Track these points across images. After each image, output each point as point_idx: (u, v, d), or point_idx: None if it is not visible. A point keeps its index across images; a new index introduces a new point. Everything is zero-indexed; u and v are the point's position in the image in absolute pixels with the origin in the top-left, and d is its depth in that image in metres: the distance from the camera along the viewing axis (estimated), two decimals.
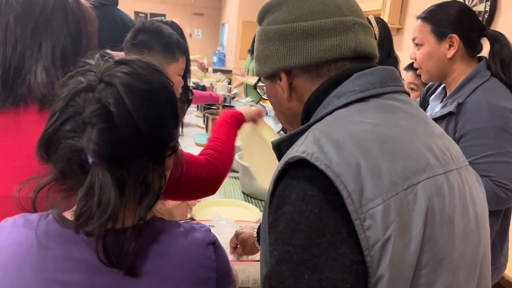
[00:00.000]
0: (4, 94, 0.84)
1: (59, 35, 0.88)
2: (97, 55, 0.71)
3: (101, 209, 0.61)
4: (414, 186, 0.59)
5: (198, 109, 3.56)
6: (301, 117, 0.75)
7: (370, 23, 2.15)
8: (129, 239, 0.64)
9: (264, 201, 1.75)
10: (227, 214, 1.52)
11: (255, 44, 0.79)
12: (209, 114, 2.72)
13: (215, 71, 9.41)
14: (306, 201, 0.57)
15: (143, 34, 1.40)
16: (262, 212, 1.63)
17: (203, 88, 3.75)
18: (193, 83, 4.00)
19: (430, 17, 1.37)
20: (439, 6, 1.40)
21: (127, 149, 0.64)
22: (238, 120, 1.26)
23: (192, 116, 3.58)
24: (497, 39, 1.35)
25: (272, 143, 0.73)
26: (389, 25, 3.55)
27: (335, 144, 0.60)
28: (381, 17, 3.54)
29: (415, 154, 0.62)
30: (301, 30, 0.71)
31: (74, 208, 0.66)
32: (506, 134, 1.24)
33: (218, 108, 3.01)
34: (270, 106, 3.26)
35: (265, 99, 3.44)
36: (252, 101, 4.14)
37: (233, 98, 3.98)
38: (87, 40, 0.94)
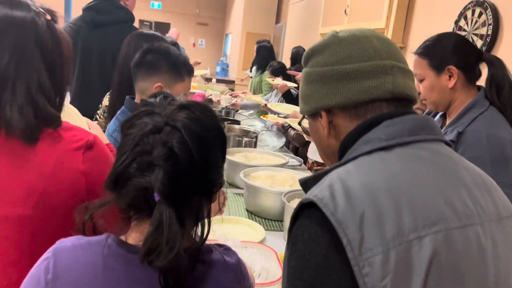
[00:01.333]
0: None
1: (35, 71, 0.87)
2: (160, 96, 0.80)
3: (169, 246, 0.68)
4: (420, 239, 0.61)
5: None
6: (338, 156, 0.79)
7: None
8: (187, 266, 0.71)
9: (268, 219, 1.77)
10: (232, 232, 1.55)
11: (300, 84, 0.85)
12: None
13: (218, 81, 9.48)
14: (316, 242, 0.62)
15: (152, 54, 1.44)
16: (266, 231, 1.66)
17: (210, 101, 3.80)
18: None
19: (426, 52, 1.41)
20: (434, 40, 1.44)
21: (188, 188, 0.72)
22: None
23: None
24: (493, 63, 1.39)
25: (299, 180, 0.79)
26: None
27: (346, 191, 0.63)
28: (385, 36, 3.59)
29: (428, 206, 0.64)
30: (340, 72, 0.76)
31: (128, 232, 0.76)
32: (502, 164, 1.28)
33: (224, 120, 3.04)
34: (271, 121, 3.31)
35: (266, 114, 3.48)
36: (253, 114, 4.18)
37: (237, 111, 4.01)
38: (61, 71, 0.94)
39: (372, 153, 0.70)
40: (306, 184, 0.77)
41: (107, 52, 2.24)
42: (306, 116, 0.85)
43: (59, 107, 0.95)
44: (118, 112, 1.52)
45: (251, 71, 6.53)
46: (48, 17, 0.91)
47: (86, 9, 2.38)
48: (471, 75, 1.41)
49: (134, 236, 0.75)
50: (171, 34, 5.37)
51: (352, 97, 0.75)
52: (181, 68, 1.47)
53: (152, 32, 2.01)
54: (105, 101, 1.95)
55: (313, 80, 0.80)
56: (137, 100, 1.46)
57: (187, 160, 0.71)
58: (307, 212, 0.65)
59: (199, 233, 0.77)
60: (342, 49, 0.77)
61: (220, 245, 0.85)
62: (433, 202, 0.65)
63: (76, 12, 2.60)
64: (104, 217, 0.76)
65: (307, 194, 0.67)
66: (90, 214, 0.76)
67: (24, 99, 0.85)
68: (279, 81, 3.80)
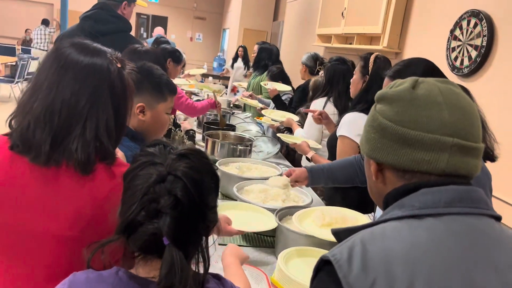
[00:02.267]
0: (49, 155, 0.96)
1: (104, 112, 0.99)
2: (159, 146, 0.87)
3: (183, 285, 0.77)
4: None
5: (198, 125, 3.60)
6: (382, 204, 0.81)
7: (368, 60, 2.20)
8: None
9: (260, 234, 1.79)
10: (243, 219, 1.61)
11: (368, 117, 0.83)
12: (209, 136, 2.76)
13: (214, 77, 9.45)
14: None
15: (135, 74, 1.45)
16: (258, 248, 1.68)
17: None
18: (196, 98, 4.06)
19: (397, 76, 1.42)
20: (404, 65, 1.46)
21: (192, 229, 0.82)
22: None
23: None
24: None
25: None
26: (388, 49, 3.61)
27: (364, 256, 0.67)
28: (381, 42, 3.59)
29: (444, 285, 0.64)
30: (400, 135, 0.75)
31: (135, 266, 0.85)
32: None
33: (218, 129, 3.05)
34: (267, 122, 3.31)
35: (260, 116, 3.49)
36: (249, 116, 4.19)
37: (233, 113, 4.02)
38: (124, 113, 1.05)
39: (403, 220, 0.71)
40: (339, 235, 0.80)
41: None
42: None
43: (116, 144, 1.05)
44: None
45: (232, 66, 6.72)
46: (119, 65, 1.04)
47: (84, 18, 2.36)
48: None
49: (143, 271, 0.83)
50: (159, 32, 5.38)
51: (403, 163, 0.75)
52: (164, 88, 1.48)
53: (145, 48, 2.03)
54: None
55: (375, 127, 0.79)
56: None
57: (190, 205, 0.80)
58: (327, 268, 0.70)
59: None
60: (410, 110, 0.75)
61: (213, 275, 0.92)
62: (450, 282, 0.64)
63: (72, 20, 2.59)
64: (110, 252, 0.85)
65: (329, 252, 0.71)
66: (97, 249, 0.84)
67: (91, 137, 0.96)
68: (270, 85, 3.81)
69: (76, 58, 0.97)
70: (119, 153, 1.25)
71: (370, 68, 2.16)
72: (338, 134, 2.21)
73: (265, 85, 3.87)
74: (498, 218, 0.75)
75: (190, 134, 2.97)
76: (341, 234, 0.79)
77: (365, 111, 2.12)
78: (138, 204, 0.80)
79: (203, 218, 0.84)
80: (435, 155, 0.72)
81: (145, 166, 0.84)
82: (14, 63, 8.59)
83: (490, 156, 1.32)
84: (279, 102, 3.72)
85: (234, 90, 5.80)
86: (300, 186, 1.96)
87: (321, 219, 1.55)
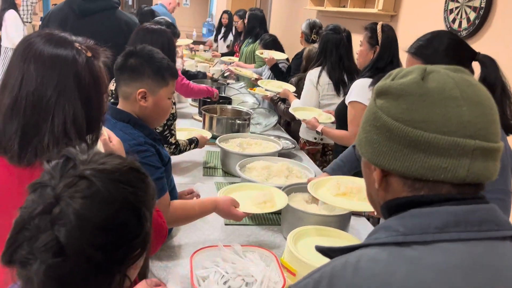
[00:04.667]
0: (19, 155, 0.93)
1: (71, 105, 0.93)
2: (59, 162, 0.68)
3: None
4: None
5: (193, 98, 3.55)
6: (381, 212, 0.72)
7: (376, 30, 2.16)
8: None
9: (265, 212, 1.80)
10: (250, 198, 1.61)
11: (365, 112, 0.73)
12: (206, 111, 2.73)
13: (205, 44, 9.24)
14: None
15: (135, 58, 1.40)
16: (263, 226, 1.69)
17: (204, 75, 3.76)
18: (192, 70, 3.99)
19: (420, 53, 1.38)
20: (427, 40, 1.40)
21: (78, 280, 0.63)
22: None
23: (187, 105, 3.58)
24: (486, 64, 1.37)
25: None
26: (383, 12, 3.52)
27: None
28: (376, 5, 3.51)
29: None
30: (410, 137, 0.63)
31: None
32: (503, 171, 1.29)
33: (215, 103, 3.01)
34: (260, 93, 3.27)
35: (255, 87, 3.44)
36: (244, 86, 4.13)
37: (227, 84, 3.96)
38: (98, 107, 1.00)
39: (385, 247, 0.62)
40: (325, 253, 0.72)
41: (99, 41, 2.19)
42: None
43: (94, 141, 1.01)
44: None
45: (215, 40, 6.33)
46: (89, 54, 0.98)
47: None
48: None
49: None
50: (163, 1, 5.13)
51: (415, 171, 0.64)
52: (165, 73, 1.43)
53: (158, 27, 1.99)
54: (111, 86, 1.92)
55: (378, 127, 0.68)
56: (120, 106, 1.43)
57: (77, 252, 0.61)
58: None
59: None
60: (422, 107, 0.63)
61: None
62: None
63: None
64: None
65: (296, 283, 0.66)
66: None
67: (60, 132, 0.92)
68: (266, 54, 3.73)
69: (40, 49, 0.94)
70: (115, 139, 1.22)
71: (379, 38, 2.13)
72: (347, 101, 2.18)
73: (260, 54, 3.79)
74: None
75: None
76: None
77: (375, 77, 2.10)
78: (14, 239, 0.63)
79: (102, 266, 0.63)
80: (453, 161, 0.62)
81: (35, 188, 0.65)
82: None
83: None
84: (277, 71, 3.66)
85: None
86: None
87: (336, 188, 1.56)
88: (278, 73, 3.64)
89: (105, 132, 1.20)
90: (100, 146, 1.10)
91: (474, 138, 0.62)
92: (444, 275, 0.57)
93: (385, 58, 2.12)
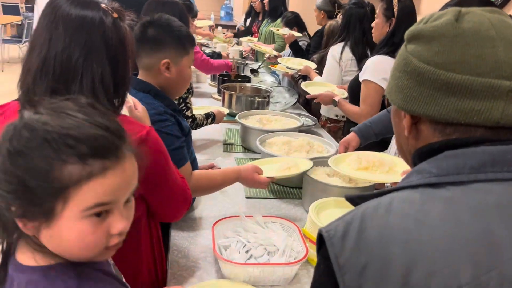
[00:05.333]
0: None
1: (99, 66, 0.94)
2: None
3: None
4: None
5: (212, 78, 3.53)
6: (411, 160, 0.71)
7: (392, 0, 2.09)
8: None
9: (286, 186, 1.79)
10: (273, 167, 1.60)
11: (395, 61, 0.71)
12: (225, 89, 2.71)
13: (223, 26, 9.18)
14: (326, 277, 0.61)
15: (153, 28, 1.39)
16: (285, 199, 1.68)
17: (219, 55, 3.72)
18: (208, 50, 3.96)
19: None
20: (456, 3, 1.35)
21: None
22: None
23: (206, 85, 3.57)
24: None
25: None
26: None
27: (360, 234, 0.59)
28: None
29: (450, 274, 0.52)
30: (442, 80, 0.62)
31: None
32: None
33: (234, 81, 2.99)
34: (281, 71, 3.23)
35: (275, 64, 3.38)
36: (262, 66, 4.10)
37: (246, 64, 3.93)
38: (124, 68, 0.99)
39: (417, 189, 0.60)
40: (354, 201, 0.70)
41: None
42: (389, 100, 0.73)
43: (121, 103, 1.02)
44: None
45: (245, 23, 6.23)
46: (115, 15, 0.98)
47: None
48: None
49: None
50: None
51: (446, 115, 0.62)
52: (185, 41, 1.42)
53: None
54: None
55: (408, 72, 0.66)
56: (141, 76, 1.42)
57: None
58: (327, 242, 0.62)
59: None
60: (455, 49, 0.61)
61: None
62: (459, 272, 0.52)
63: None
64: None
65: (326, 225, 0.63)
66: None
67: (88, 91, 0.93)
68: (285, 30, 3.67)
69: (66, 11, 0.94)
70: (140, 107, 1.22)
71: (395, 10, 2.06)
72: (361, 78, 2.14)
73: (276, 30, 3.72)
74: None
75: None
76: (356, 200, 0.69)
77: (391, 54, 2.05)
78: None
79: None
80: (487, 103, 0.60)
81: None
82: (19, 23, 8.44)
83: None
84: (296, 49, 3.59)
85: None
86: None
87: (358, 162, 1.54)
88: (297, 50, 3.58)
89: (130, 99, 1.20)
90: (125, 112, 1.10)
91: (509, 79, 0.59)
92: (481, 214, 0.55)
93: (401, 31, 2.05)
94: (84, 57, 0.93)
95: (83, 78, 0.93)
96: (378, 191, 0.66)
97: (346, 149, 1.80)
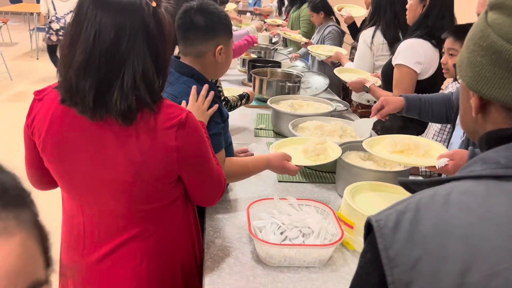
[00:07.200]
0: (93, 111, 0.97)
1: (140, 62, 0.96)
2: None
3: None
4: None
5: (242, 64, 3.53)
6: (478, 144, 0.66)
7: None
8: None
9: (319, 170, 1.78)
10: (302, 152, 1.60)
11: (474, 29, 0.64)
12: (256, 74, 2.71)
13: (252, 13, 9.13)
14: (372, 267, 0.58)
15: (201, 15, 1.38)
16: (319, 184, 1.68)
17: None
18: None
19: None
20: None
21: None
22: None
23: (236, 71, 3.57)
24: None
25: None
26: None
27: (414, 225, 0.55)
28: None
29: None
30: None
31: None
32: None
33: (264, 66, 2.98)
34: (319, 56, 3.18)
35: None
36: (291, 51, 4.06)
37: (276, 50, 3.91)
38: (164, 55, 1.01)
39: (481, 180, 0.56)
40: (408, 187, 0.67)
41: None
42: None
43: (161, 88, 1.04)
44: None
45: (279, 8, 6.11)
46: (154, 4, 0.98)
47: None
48: None
49: None
50: None
51: None
52: (230, 25, 1.45)
53: None
54: None
55: (484, 47, 0.59)
56: (185, 61, 1.43)
57: None
58: (372, 233, 0.59)
59: None
60: None
61: None
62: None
63: None
64: None
65: (376, 214, 0.60)
66: None
67: (129, 87, 0.94)
68: (345, 11, 3.49)
69: (108, 0, 0.94)
70: (205, 105, 1.30)
71: None
72: (394, 62, 2.10)
73: (339, 10, 3.61)
74: None
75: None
76: (411, 186, 0.64)
77: (424, 37, 2.00)
78: None
79: None
80: None
81: None
82: None
83: None
84: (354, 30, 3.40)
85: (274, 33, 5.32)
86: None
87: (393, 146, 1.52)
88: (356, 31, 3.42)
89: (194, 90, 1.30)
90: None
91: None
92: None
93: (434, 13, 1.98)
94: (127, 53, 0.94)
95: (125, 74, 0.94)
96: (436, 178, 0.62)
97: (381, 107, 1.73)
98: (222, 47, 1.39)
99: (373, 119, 1.75)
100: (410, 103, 1.72)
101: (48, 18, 6.31)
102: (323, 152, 1.58)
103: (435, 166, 1.35)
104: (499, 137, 0.60)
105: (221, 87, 2.08)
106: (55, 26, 6.36)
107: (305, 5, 4.16)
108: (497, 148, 0.58)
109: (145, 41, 0.96)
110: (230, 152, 1.61)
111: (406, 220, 0.56)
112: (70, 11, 6.44)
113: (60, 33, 6.32)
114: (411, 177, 1.71)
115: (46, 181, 1.16)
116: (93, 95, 0.94)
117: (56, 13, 6.40)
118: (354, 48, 3.14)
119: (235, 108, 2.16)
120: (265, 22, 5.09)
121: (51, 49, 6.57)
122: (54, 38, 6.36)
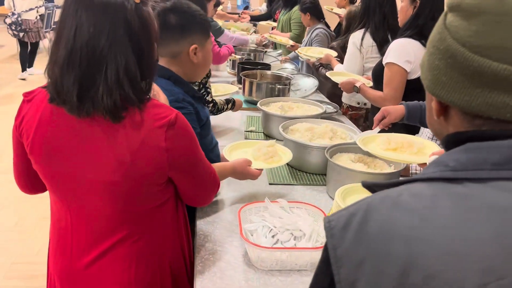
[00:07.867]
0: (79, 107, 0.96)
1: (123, 57, 0.94)
2: None
3: None
4: None
5: (232, 66, 3.52)
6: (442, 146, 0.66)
7: None
8: None
9: (309, 173, 1.78)
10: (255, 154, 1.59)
11: (434, 32, 0.63)
12: (246, 76, 2.71)
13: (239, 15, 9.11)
14: (325, 267, 0.59)
15: (175, 14, 1.37)
16: (309, 186, 1.68)
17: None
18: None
19: None
20: None
21: None
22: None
23: (225, 73, 3.56)
24: None
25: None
26: None
27: (362, 227, 0.55)
28: None
29: (454, 276, 0.47)
30: (474, 67, 0.54)
31: None
32: None
33: (254, 68, 2.98)
34: (304, 57, 3.19)
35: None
36: (281, 54, 4.07)
37: (265, 52, 3.91)
38: (148, 53, 1.00)
39: (432, 182, 0.55)
40: (371, 189, 0.67)
41: None
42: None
43: (147, 87, 1.03)
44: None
45: (270, 5, 6.13)
46: (137, 0, 0.97)
47: None
48: None
49: None
50: None
51: (475, 107, 0.56)
52: (207, 24, 1.43)
53: None
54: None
55: (441, 50, 0.59)
56: (163, 63, 1.40)
57: None
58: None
59: None
60: (497, 30, 0.53)
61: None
62: (465, 274, 0.47)
63: None
64: None
65: (330, 215, 0.61)
66: None
67: (113, 83, 0.94)
68: (340, 10, 3.52)
69: None
70: (162, 97, 1.23)
71: None
72: (385, 62, 2.11)
73: (330, 9, 3.64)
74: None
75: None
76: (374, 188, 0.64)
77: (414, 36, 2.01)
78: None
79: None
80: None
81: None
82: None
83: None
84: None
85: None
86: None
87: (387, 143, 1.52)
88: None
89: (155, 87, 1.21)
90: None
91: None
92: (497, 215, 0.50)
93: (425, 13, 2.00)
94: (108, 47, 0.93)
95: (107, 69, 0.93)
96: (393, 180, 0.61)
97: (383, 117, 1.73)
98: (196, 47, 1.38)
99: (376, 130, 1.75)
100: (410, 110, 1.73)
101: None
102: (275, 154, 1.58)
103: (426, 164, 1.35)
104: (454, 140, 0.59)
105: (210, 88, 2.07)
106: (8, 20, 6.40)
107: (296, 8, 4.17)
108: (451, 150, 0.58)
109: (127, 36, 0.95)
110: (215, 153, 1.60)
111: (356, 220, 0.56)
112: (30, 9, 6.50)
113: (13, 27, 6.37)
114: (401, 179, 1.71)
115: (35, 184, 1.14)
116: (77, 89, 0.93)
117: (15, 9, 6.45)
118: (332, 47, 3.17)
119: (222, 112, 2.16)
120: (254, 25, 5.11)
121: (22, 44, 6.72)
122: (10, 32, 6.43)
